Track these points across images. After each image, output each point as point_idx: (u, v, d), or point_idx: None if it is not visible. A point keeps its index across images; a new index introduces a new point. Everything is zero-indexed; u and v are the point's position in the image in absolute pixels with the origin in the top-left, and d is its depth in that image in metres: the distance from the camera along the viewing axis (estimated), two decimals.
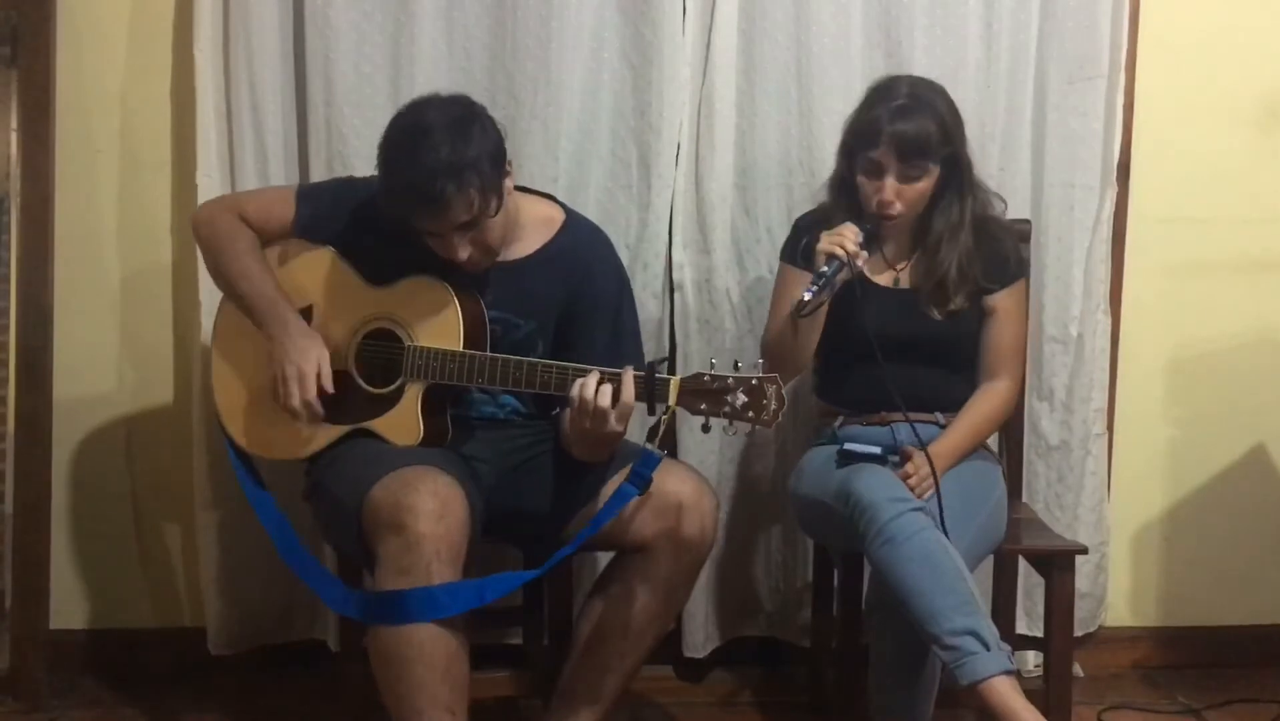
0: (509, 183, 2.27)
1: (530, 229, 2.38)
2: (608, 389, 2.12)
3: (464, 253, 2.22)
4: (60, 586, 2.82)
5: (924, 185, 2.39)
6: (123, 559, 2.91)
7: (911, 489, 2.27)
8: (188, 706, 2.75)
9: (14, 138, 2.74)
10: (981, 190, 2.49)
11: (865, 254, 2.32)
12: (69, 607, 2.87)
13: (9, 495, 2.75)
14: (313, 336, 2.29)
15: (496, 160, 2.21)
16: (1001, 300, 2.48)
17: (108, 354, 2.86)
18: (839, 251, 2.28)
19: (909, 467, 2.31)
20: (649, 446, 2.14)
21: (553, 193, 2.56)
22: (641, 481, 2.17)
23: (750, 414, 2.07)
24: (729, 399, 2.07)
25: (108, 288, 2.84)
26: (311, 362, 2.25)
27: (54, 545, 2.79)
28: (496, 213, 2.22)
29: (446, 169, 2.14)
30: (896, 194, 2.37)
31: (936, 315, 2.44)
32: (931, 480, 2.28)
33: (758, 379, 2.07)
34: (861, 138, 2.39)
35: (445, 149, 2.14)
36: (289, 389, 2.25)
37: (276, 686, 2.85)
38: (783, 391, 2.07)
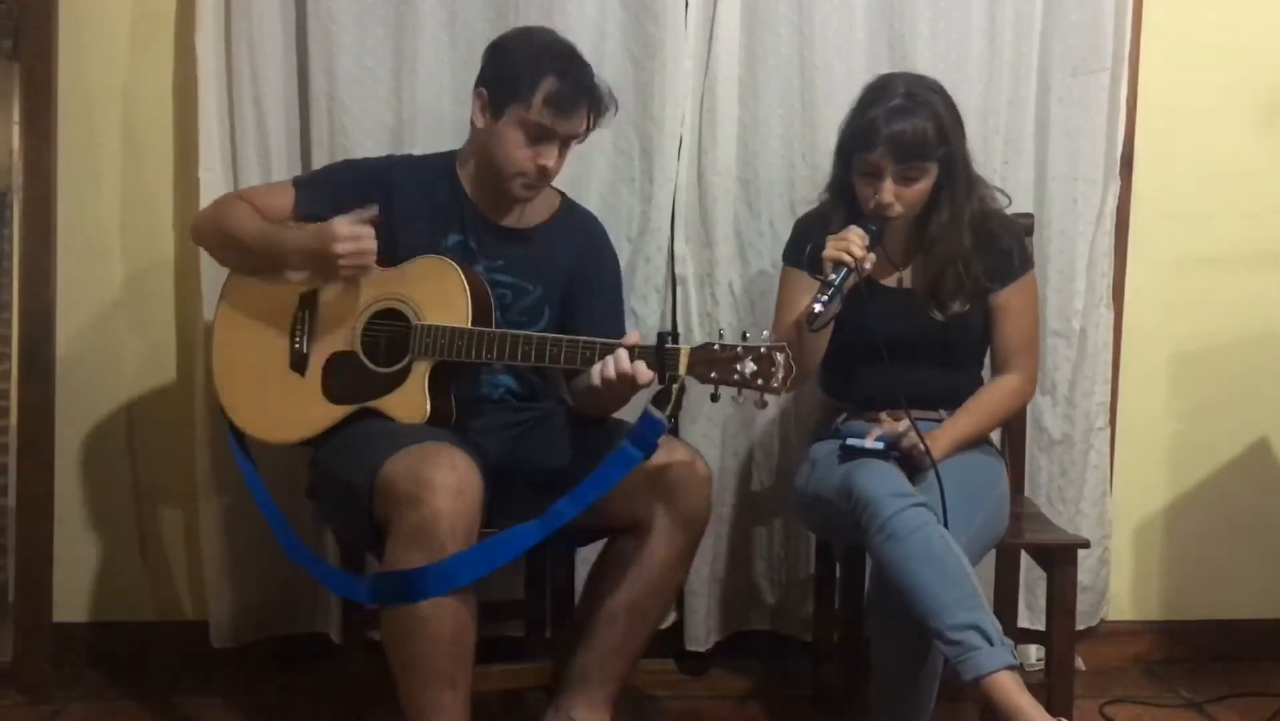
0: None
1: (537, 201, 2.47)
2: (624, 354, 2.14)
3: (553, 163, 2.36)
4: (63, 579, 2.82)
5: (923, 185, 2.37)
6: (126, 552, 2.91)
7: (902, 447, 2.28)
8: (191, 699, 2.76)
9: (16, 131, 2.74)
10: (982, 187, 2.47)
11: (873, 256, 2.31)
12: (72, 600, 2.87)
13: (12, 488, 2.75)
14: (318, 228, 2.30)
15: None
16: (1007, 296, 2.47)
17: (110, 347, 2.86)
18: (846, 258, 2.26)
19: (886, 427, 2.32)
20: (656, 412, 2.12)
21: (556, 184, 2.57)
22: (646, 446, 2.15)
23: (760, 381, 2.06)
24: (738, 366, 2.07)
25: (110, 281, 2.84)
26: (338, 235, 2.26)
27: (57, 538, 2.79)
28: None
29: (592, 86, 2.35)
30: (895, 195, 2.35)
31: (939, 316, 2.43)
32: (915, 435, 2.29)
33: (766, 347, 2.07)
34: (857, 140, 2.37)
35: (588, 71, 2.38)
36: (351, 263, 2.27)
37: (279, 679, 2.85)
38: (791, 360, 2.06)
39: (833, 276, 2.26)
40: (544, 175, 2.36)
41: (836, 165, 2.46)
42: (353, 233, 2.26)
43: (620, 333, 2.34)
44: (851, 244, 2.27)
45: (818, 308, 2.22)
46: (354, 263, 2.28)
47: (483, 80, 2.38)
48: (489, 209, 2.43)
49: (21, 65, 2.73)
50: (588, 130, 2.38)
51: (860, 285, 2.32)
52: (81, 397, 2.84)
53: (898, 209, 2.36)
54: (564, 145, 2.36)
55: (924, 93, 2.37)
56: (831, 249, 2.28)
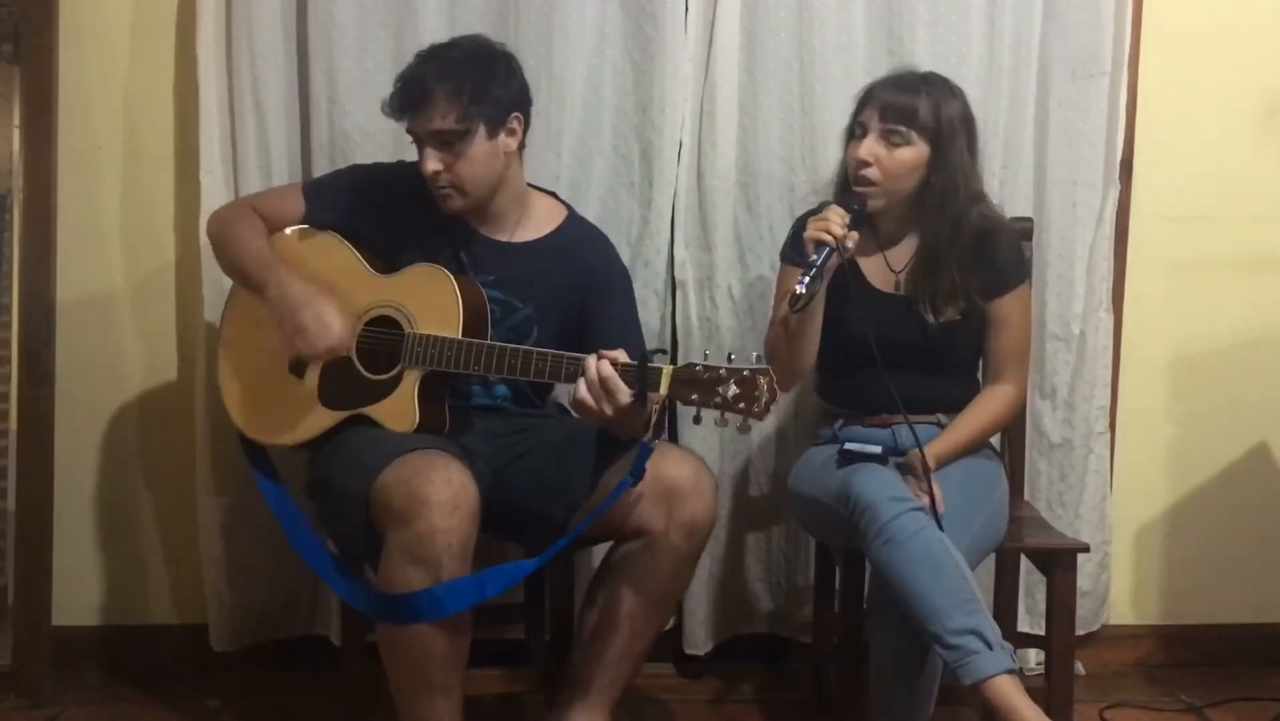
0: (508, 139, 2.33)
1: (537, 217, 2.45)
2: (605, 363, 2.12)
3: (432, 165, 2.28)
4: (63, 582, 2.82)
5: (905, 156, 2.37)
6: (126, 555, 2.91)
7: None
8: (190, 702, 2.76)
9: (16, 134, 2.74)
10: (986, 204, 2.46)
11: (855, 234, 2.31)
12: (72, 603, 2.87)
13: (11, 491, 2.75)
14: (309, 287, 2.31)
15: (504, 100, 2.30)
16: (1003, 306, 2.46)
17: (110, 350, 2.86)
18: (826, 237, 2.26)
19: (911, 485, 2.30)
20: (643, 438, 2.14)
21: (555, 190, 2.60)
22: (638, 474, 2.17)
23: (742, 405, 2.05)
24: (721, 390, 2.05)
25: (110, 284, 2.84)
26: (314, 317, 2.27)
27: (57, 541, 2.79)
28: (473, 138, 2.27)
29: (444, 70, 2.26)
30: (875, 157, 2.35)
31: (932, 320, 2.43)
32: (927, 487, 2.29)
33: (750, 370, 2.05)
34: (856, 106, 2.42)
35: (455, 54, 2.29)
36: (308, 341, 2.27)
37: (279, 682, 2.86)
38: (775, 384, 2.04)
39: (814, 257, 2.26)
40: (436, 181, 2.29)
41: (844, 149, 2.47)
42: (322, 330, 2.27)
43: (639, 346, 2.32)
44: (831, 223, 2.27)
45: (800, 289, 2.22)
46: (304, 350, 2.29)
47: None
48: (479, 223, 2.41)
49: (22, 68, 2.73)
50: (465, 119, 2.26)
51: (851, 281, 2.31)
52: (82, 400, 2.84)
53: (875, 172, 2.36)
54: (439, 143, 2.27)
55: (938, 81, 2.41)
56: (811, 229, 2.29)
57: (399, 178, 2.44)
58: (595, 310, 2.42)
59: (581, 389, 2.13)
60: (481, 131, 2.28)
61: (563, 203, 2.53)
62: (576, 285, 2.42)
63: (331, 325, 2.27)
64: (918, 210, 2.43)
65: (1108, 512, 2.95)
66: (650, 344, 2.66)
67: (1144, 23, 2.87)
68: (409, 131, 2.31)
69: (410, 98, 2.28)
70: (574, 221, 2.50)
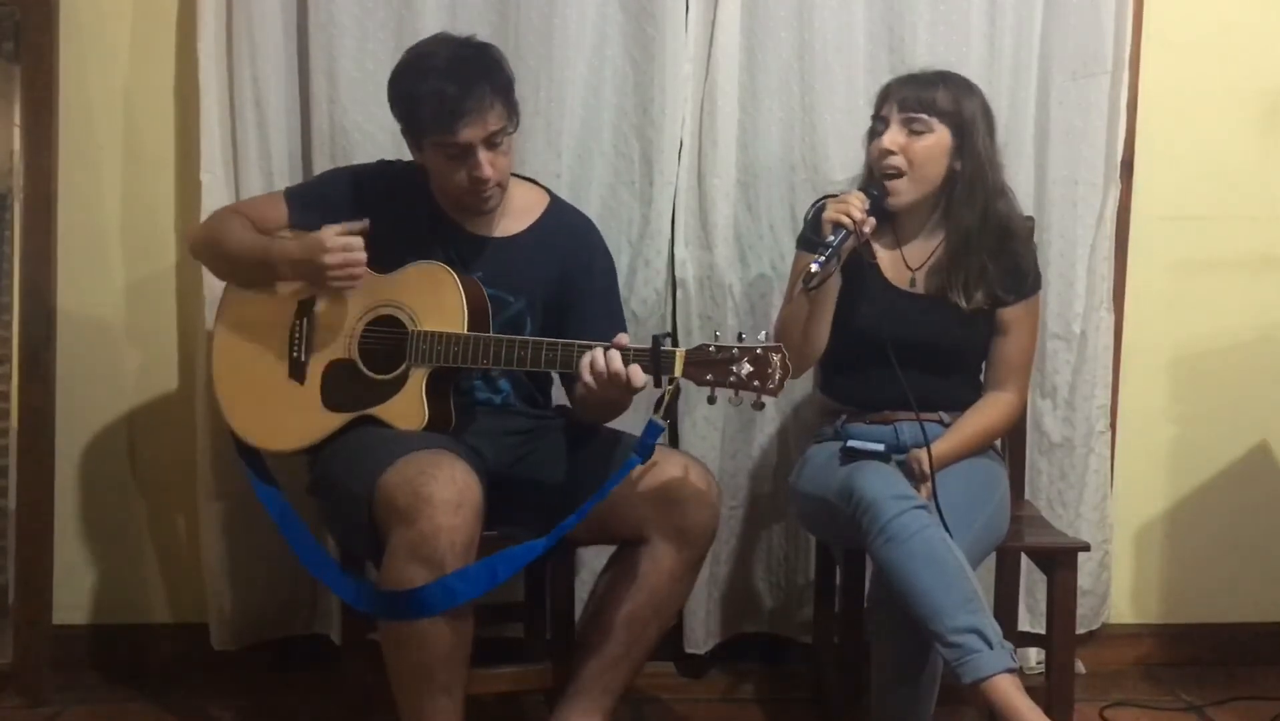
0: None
1: (518, 208, 2.44)
2: (616, 355, 2.13)
3: (489, 169, 2.28)
4: (63, 582, 2.82)
5: (928, 143, 2.38)
6: (126, 554, 2.91)
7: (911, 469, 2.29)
8: (191, 701, 2.76)
9: (17, 134, 2.74)
10: (1009, 200, 2.48)
11: (873, 220, 2.32)
12: (72, 603, 2.87)
13: (12, 490, 2.75)
14: (307, 239, 2.30)
15: (513, 87, 2.34)
16: (1016, 313, 2.47)
17: (111, 349, 2.86)
18: (845, 220, 2.28)
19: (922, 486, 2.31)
20: (653, 417, 2.14)
21: (555, 189, 2.59)
22: (645, 451, 2.17)
23: (756, 383, 2.06)
24: (734, 368, 2.06)
25: (111, 283, 2.85)
26: (326, 246, 2.26)
27: (57, 541, 2.79)
28: (512, 134, 2.32)
29: (483, 73, 2.26)
30: (899, 146, 2.37)
31: (964, 304, 2.42)
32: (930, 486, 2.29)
33: (762, 348, 2.06)
34: (875, 106, 2.44)
35: (476, 58, 2.29)
36: (341, 274, 2.26)
37: (280, 681, 2.86)
38: (788, 360, 2.06)
39: (831, 238, 2.27)
40: (487, 183, 2.30)
41: (867, 148, 2.48)
42: (342, 243, 2.26)
43: (617, 333, 2.31)
44: (851, 206, 2.29)
45: (814, 267, 2.24)
46: (343, 273, 2.27)
47: (394, 118, 2.37)
48: (464, 219, 2.41)
49: (23, 67, 2.73)
50: (507, 116, 2.29)
51: (859, 252, 2.33)
52: (82, 399, 2.84)
53: (899, 159, 2.37)
54: (489, 146, 2.28)
55: (957, 78, 2.43)
56: (831, 210, 2.31)
57: (379, 179, 2.44)
58: (573, 305, 2.42)
59: (589, 380, 2.13)
60: (516, 120, 2.33)
61: (542, 187, 2.52)
62: (557, 277, 2.42)
63: (335, 242, 2.26)
64: (945, 202, 2.44)
65: (1108, 512, 2.95)
66: (647, 342, 2.65)
67: (1144, 23, 2.87)
68: (455, 142, 2.25)
69: (467, 107, 2.23)
70: (556, 208, 2.49)
